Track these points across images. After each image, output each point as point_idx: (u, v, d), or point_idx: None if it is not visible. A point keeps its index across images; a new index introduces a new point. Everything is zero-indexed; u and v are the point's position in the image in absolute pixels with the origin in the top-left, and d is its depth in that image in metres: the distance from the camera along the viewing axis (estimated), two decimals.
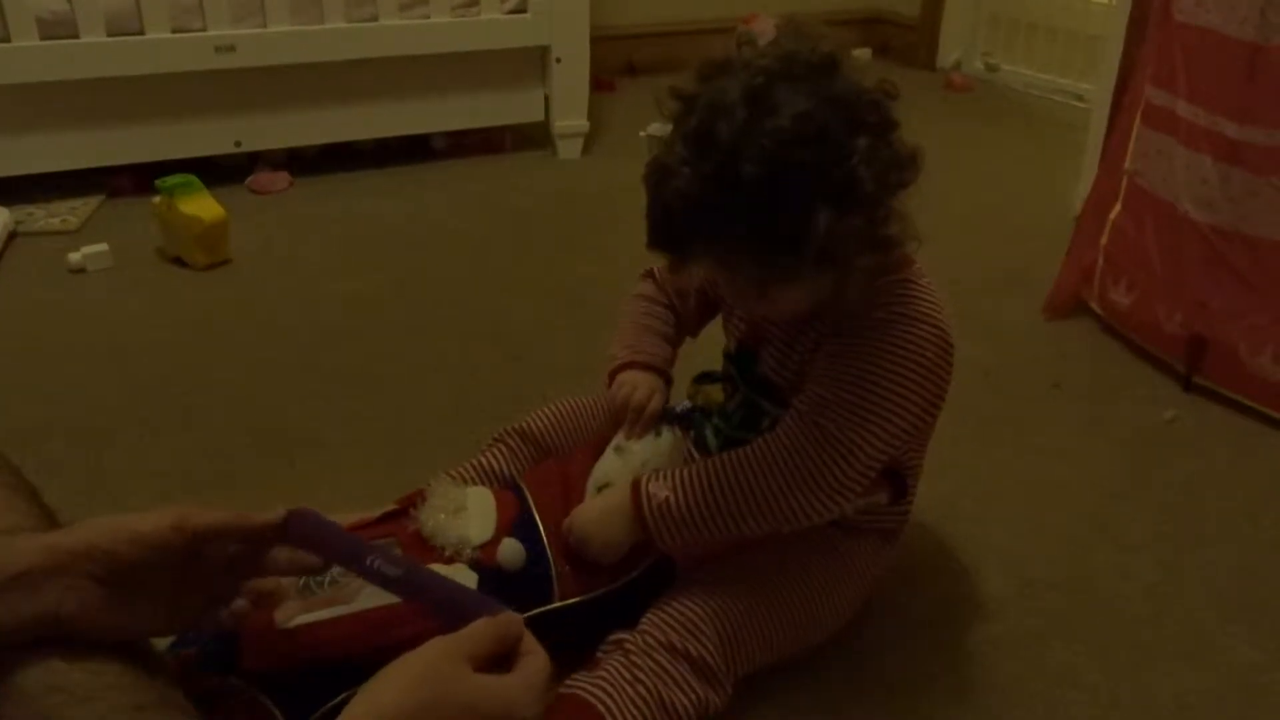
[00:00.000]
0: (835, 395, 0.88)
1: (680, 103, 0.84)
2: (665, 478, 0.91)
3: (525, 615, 0.90)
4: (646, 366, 1.05)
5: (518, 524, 0.97)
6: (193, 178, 1.86)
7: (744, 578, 0.93)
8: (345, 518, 1.00)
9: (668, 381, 1.06)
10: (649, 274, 1.13)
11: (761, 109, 0.78)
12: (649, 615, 0.90)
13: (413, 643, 0.89)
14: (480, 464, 1.09)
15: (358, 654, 0.87)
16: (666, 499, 0.90)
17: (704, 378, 1.09)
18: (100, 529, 0.71)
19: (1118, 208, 1.60)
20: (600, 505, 0.94)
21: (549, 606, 0.92)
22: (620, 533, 0.92)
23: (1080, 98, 2.89)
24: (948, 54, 3.35)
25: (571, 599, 0.93)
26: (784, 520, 0.89)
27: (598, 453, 1.06)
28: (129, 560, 0.70)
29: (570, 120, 2.48)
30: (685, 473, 0.91)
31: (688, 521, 0.90)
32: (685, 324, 1.11)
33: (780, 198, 0.78)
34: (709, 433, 1.05)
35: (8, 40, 1.95)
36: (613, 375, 1.06)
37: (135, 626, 0.72)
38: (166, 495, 1.23)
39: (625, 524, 0.92)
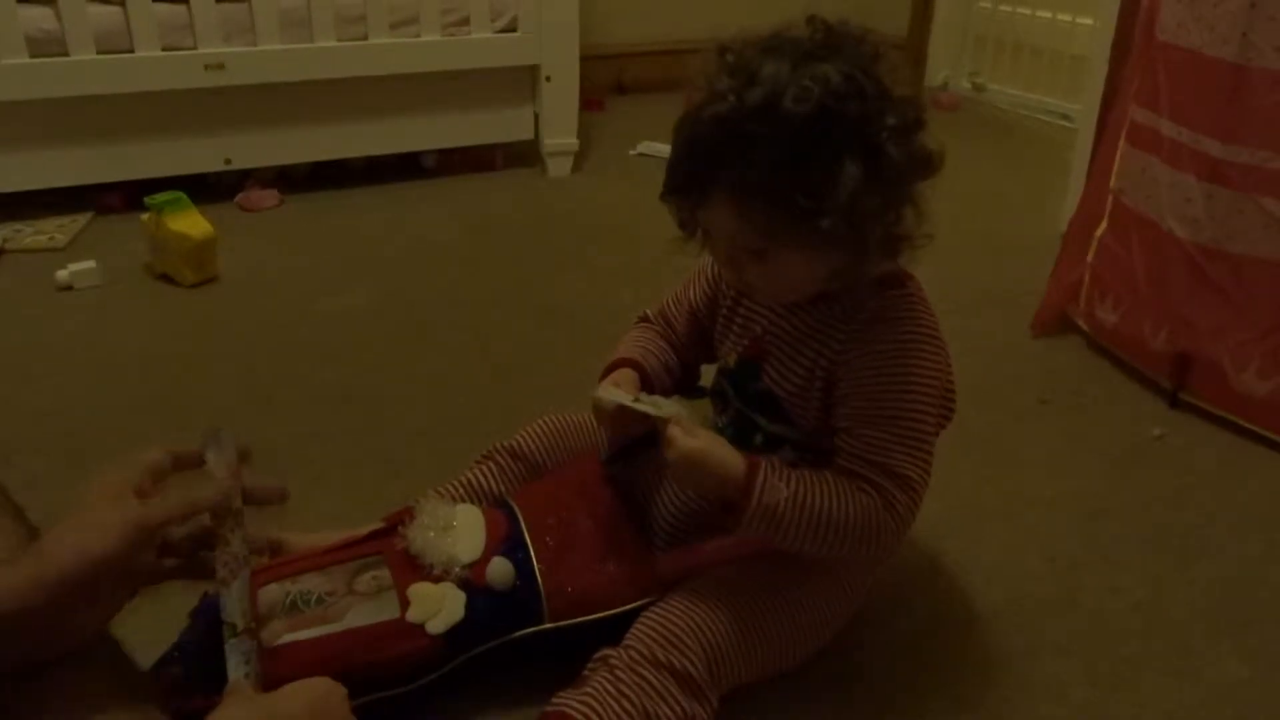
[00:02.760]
0: (887, 434, 0.90)
1: (721, 55, 0.85)
2: (786, 477, 0.89)
3: (514, 636, 0.92)
4: (618, 365, 1.04)
5: (507, 543, 0.97)
6: (182, 195, 1.86)
7: (730, 591, 0.92)
8: (332, 536, 1.01)
9: (643, 374, 1.03)
10: (643, 316, 1.13)
11: (810, 61, 0.81)
12: (634, 629, 0.90)
13: (402, 659, 0.89)
14: (469, 481, 1.09)
15: (348, 671, 0.87)
16: (781, 502, 0.88)
17: (690, 394, 1.09)
18: (66, 557, 0.68)
19: (1104, 226, 1.62)
20: (714, 454, 0.89)
21: (538, 628, 0.92)
22: (712, 488, 0.90)
23: (1066, 117, 2.91)
24: (935, 73, 3.38)
25: (562, 622, 0.93)
26: (861, 554, 0.91)
27: (587, 470, 1.06)
28: (101, 579, 0.70)
29: (560, 138, 2.49)
30: (803, 483, 0.89)
31: (781, 526, 0.88)
32: (680, 351, 1.10)
33: (818, 140, 0.79)
34: None
35: None
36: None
37: (97, 621, 0.72)
38: None
39: (721, 486, 0.89)
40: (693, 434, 0.89)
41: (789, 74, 0.80)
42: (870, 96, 0.81)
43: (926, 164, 0.86)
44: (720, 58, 0.85)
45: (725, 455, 0.89)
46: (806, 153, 0.80)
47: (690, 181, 0.86)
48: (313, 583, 0.94)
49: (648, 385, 1.02)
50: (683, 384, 1.11)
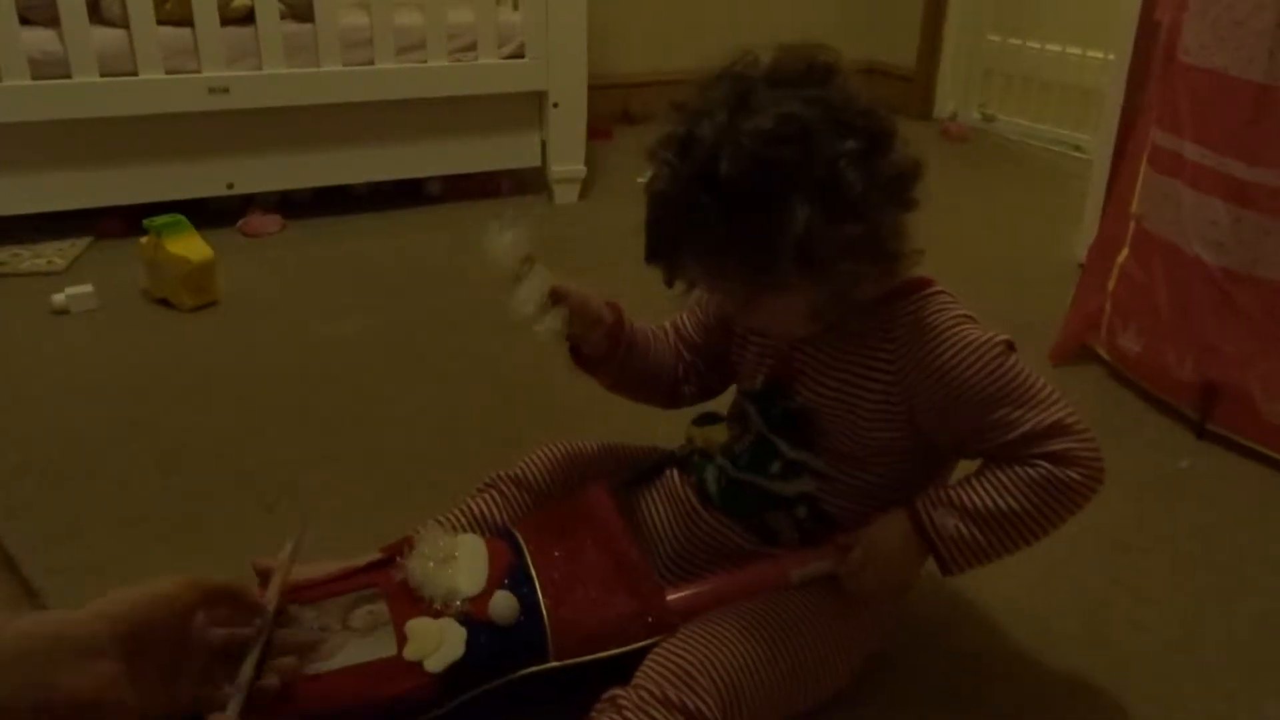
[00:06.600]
0: (1007, 409, 0.87)
1: (676, 112, 0.85)
2: (943, 505, 0.88)
3: (517, 674, 0.87)
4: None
5: (512, 576, 0.93)
6: (181, 217, 1.84)
7: (746, 626, 0.88)
8: (327, 566, 0.97)
9: (615, 311, 1.02)
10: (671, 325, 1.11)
11: (744, 110, 0.80)
12: (644, 667, 0.85)
13: (398, 699, 0.85)
14: (471, 510, 1.05)
15: (342, 710, 0.83)
16: (952, 526, 0.87)
17: (704, 419, 1.05)
18: (117, 599, 0.71)
19: (1125, 252, 1.58)
20: (886, 550, 0.89)
21: (543, 666, 0.88)
22: (914, 571, 0.90)
23: (1077, 147, 2.90)
24: (943, 105, 3.37)
25: (568, 660, 0.88)
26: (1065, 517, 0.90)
27: (595, 499, 1.02)
28: (147, 622, 0.71)
29: (567, 165, 2.47)
30: (962, 491, 0.88)
31: (973, 545, 0.87)
32: (676, 353, 1.08)
33: (757, 196, 0.78)
34: (709, 475, 1.00)
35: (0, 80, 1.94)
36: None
37: (143, 704, 0.70)
38: (140, 540, 1.19)
39: (917, 560, 0.89)
40: (858, 567, 0.89)
41: (722, 129, 0.79)
42: (816, 132, 0.79)
43: (901, 178, 0.84)
44: (674, 113, 0.85)
45: (888, 535, 0.89)
46: (746, 207, 0.79)
47: (660, 253, 0.86)
48: (306, 617, 0.90)
49: (619, 327, 1.01)
50: (672, 396, 1.08)
